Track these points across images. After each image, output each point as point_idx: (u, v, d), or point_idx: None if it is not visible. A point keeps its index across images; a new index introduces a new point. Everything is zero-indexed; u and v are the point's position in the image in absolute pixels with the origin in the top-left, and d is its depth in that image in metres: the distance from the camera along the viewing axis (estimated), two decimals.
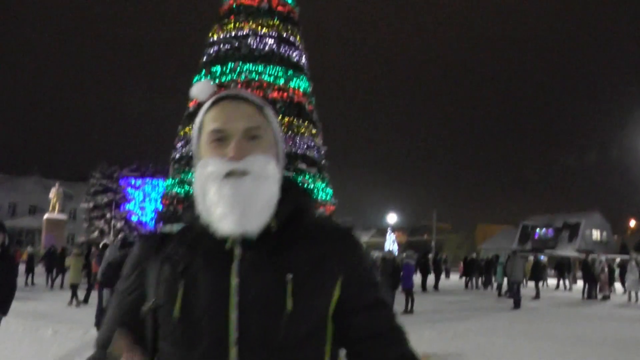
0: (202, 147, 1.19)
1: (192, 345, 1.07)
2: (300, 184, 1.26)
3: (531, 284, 22.67)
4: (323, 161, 29.94)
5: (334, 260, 1.15)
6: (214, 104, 1.20)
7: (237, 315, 1.07)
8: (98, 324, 6.32)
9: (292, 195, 1.19)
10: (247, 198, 1.09)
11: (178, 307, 1.09)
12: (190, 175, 27.25)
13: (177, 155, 28.78)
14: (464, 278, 27.19)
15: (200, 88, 1.22)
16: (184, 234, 1.21)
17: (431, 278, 24.28)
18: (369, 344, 1.17)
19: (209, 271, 1.11)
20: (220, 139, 1.15)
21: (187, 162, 27.61)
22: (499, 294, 21.38)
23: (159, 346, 1.14)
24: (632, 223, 66.20)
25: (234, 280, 1.09)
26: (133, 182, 48.37)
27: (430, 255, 29.63)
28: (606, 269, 22.66)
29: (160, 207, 30.66)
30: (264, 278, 1.09)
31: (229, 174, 1.10)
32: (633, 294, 21.22)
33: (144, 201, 47.83)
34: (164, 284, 1.13)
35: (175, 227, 1.26)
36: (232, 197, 1.09)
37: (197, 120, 1.22)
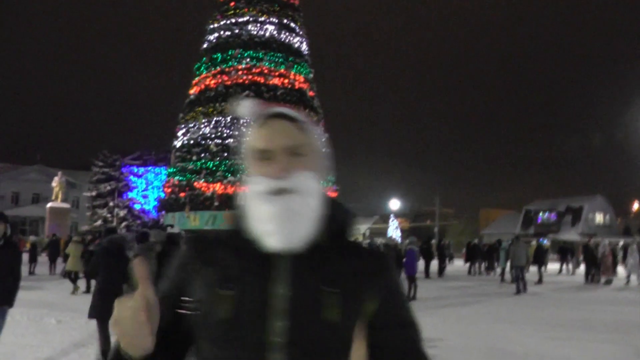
0: (249, 163, 1.24)
1: (236, 348, 1.12)
2: (345, 206, 1.32)
3: (533, 268, 22.67)
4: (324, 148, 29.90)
5: (371, 279, 1.22)
6: (259, 121, 1.24)
7: (280, 322, 1.12)
8: (92, 314, 6.32)
9: (337, 214, 1.26)
10: (291, 215, 1.15)
11: (224, 311, 1.14)
12: (191, 163, 27.24)
13: (179, 144, 28.74)
14: (467, 264, 27.15)
15: (246, 106, 1.28)
16: (231, 240, 1.24)
17: (434, 264, 24.28)
18: None
19: (255, 279, 1.16)
20: (265, 157, 1.20)
21: (189, 150, 27.59)
22: (502, 280, 21.40)
23: (200, 345, 1.18)
24: (635, 206, 66.11)
25: (279, 289, 1.14)
26: (135, 170, 48.40)
27: (433, 241, 29.60)
28: (608, 252, 22.64)
29: (162, 195, 30.69)
30: (307, 289, 1.15)
31: (274, 192, 1.16)
32: (634, 277, 21.23)
33: (146, 189, 47.88)
34: (210, 287, 1.17)
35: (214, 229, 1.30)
36: (277, 215, 1.15)
37: (244, 137, 1.27)
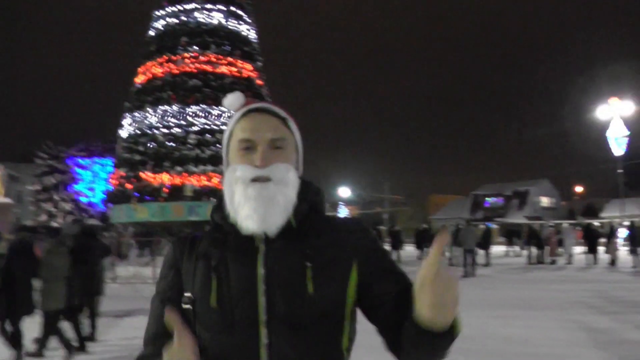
0: (231, 153, 1.33)
1: (228, 330, 1.22)
2: (314, 184, 1.41)
3: (481, 251, 23.19)
4: None
5: (348, 248, 1.30)
6: (244, 115, 1.34)
7: (265, 301, 1.22)
8: None
9: (308, 195, 1.35)
10: (268, 201, 1.24)
11: (214, 298, 1.24)
12: (137, 154, 26.56)
13: (125, 134, 28.01)
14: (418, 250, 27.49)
15: (232, 100, 1.36)
16: (214, 233, 1.35)
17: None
18: (394, 303, 1.27)
19: (238, 264, 1.26)
20: (248, 147, 1.29)
21: (135, 140, 26.91)
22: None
23: (198, 334, 1.26)
24: (579, 189, 68.69)
25: (261, 271, 1.24)
26: (81, 161, 46.97)
27: (382, 227, 29.87)
28: (552, 234, 23.45)
29: (109, 187, 29.89)
30: (286, 267, 1.24)
31: (255, 179, 1.25)
32: (574, 258, 22.12)
33: (93, 181, 46.57)
34: (200, 278, 1.28)
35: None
36: (256, 200, 1.24)
37: (228, 128, 1.36)
